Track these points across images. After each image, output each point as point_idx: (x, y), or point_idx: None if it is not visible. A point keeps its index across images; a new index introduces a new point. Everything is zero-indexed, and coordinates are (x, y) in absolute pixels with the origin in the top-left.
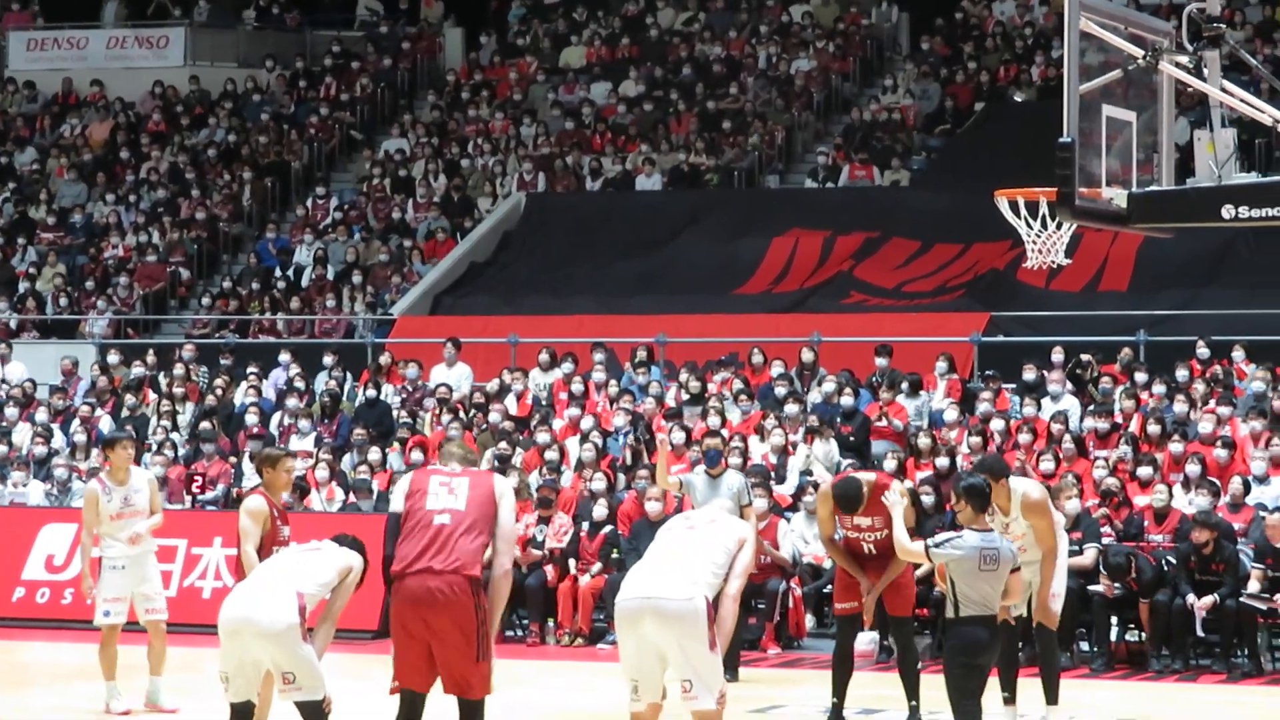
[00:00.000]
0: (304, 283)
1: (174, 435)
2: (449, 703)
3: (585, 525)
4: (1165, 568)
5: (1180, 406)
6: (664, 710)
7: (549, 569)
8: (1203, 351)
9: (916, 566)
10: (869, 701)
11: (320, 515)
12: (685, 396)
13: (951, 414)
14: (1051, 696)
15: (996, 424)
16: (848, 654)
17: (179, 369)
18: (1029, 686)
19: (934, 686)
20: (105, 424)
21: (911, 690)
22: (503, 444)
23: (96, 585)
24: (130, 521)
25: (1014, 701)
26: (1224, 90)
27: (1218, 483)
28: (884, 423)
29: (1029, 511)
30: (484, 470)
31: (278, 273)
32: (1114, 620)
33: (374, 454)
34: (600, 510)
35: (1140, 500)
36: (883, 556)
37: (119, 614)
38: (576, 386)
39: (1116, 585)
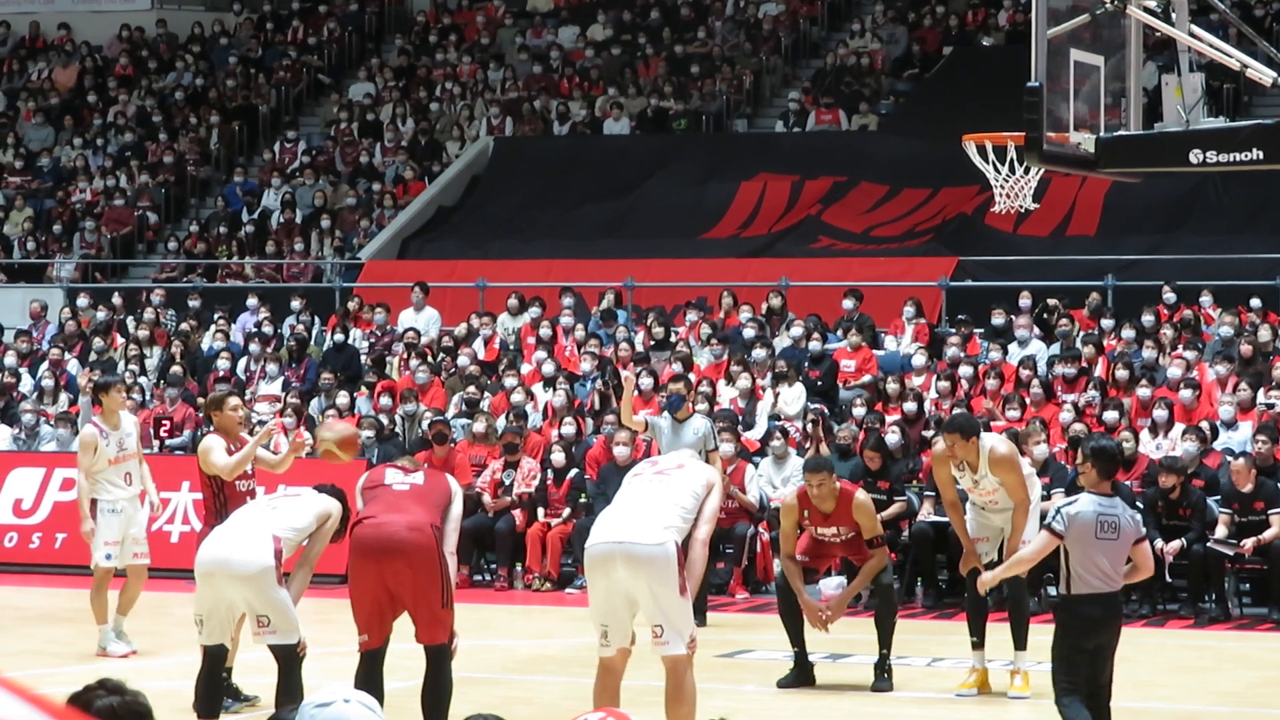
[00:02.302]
0: (272, 227)
1: (141, 379)
2: (415, 652)
3: (551, 472)
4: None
5: (1148, 352)
6: (633, 655)
7: (517, 514)
8: (1169, 296)
9: (887, 506)
10: (836, 646)
11: None
12: (652, 342)
13: (919, 359)
14: (1020, 642)
15: (964, 369)
16: (791, 602)
17: (147, 313)
18: (998, 631)
19: (907, 631)
20: (73, 367)
21: (884, 638)
22: (470, 388)
23: (95, 528)
24: (124, 465)
25: (983, 646)
26: (1192, 35)
27: (1205, 428)
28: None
29: (997, 467)
30: (437, 471)
31: (245, 217)
32: None
33: (342, 398)
34: (559, 456)
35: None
36: (850, 547)
37: (118, 557)
38: (544, 331)
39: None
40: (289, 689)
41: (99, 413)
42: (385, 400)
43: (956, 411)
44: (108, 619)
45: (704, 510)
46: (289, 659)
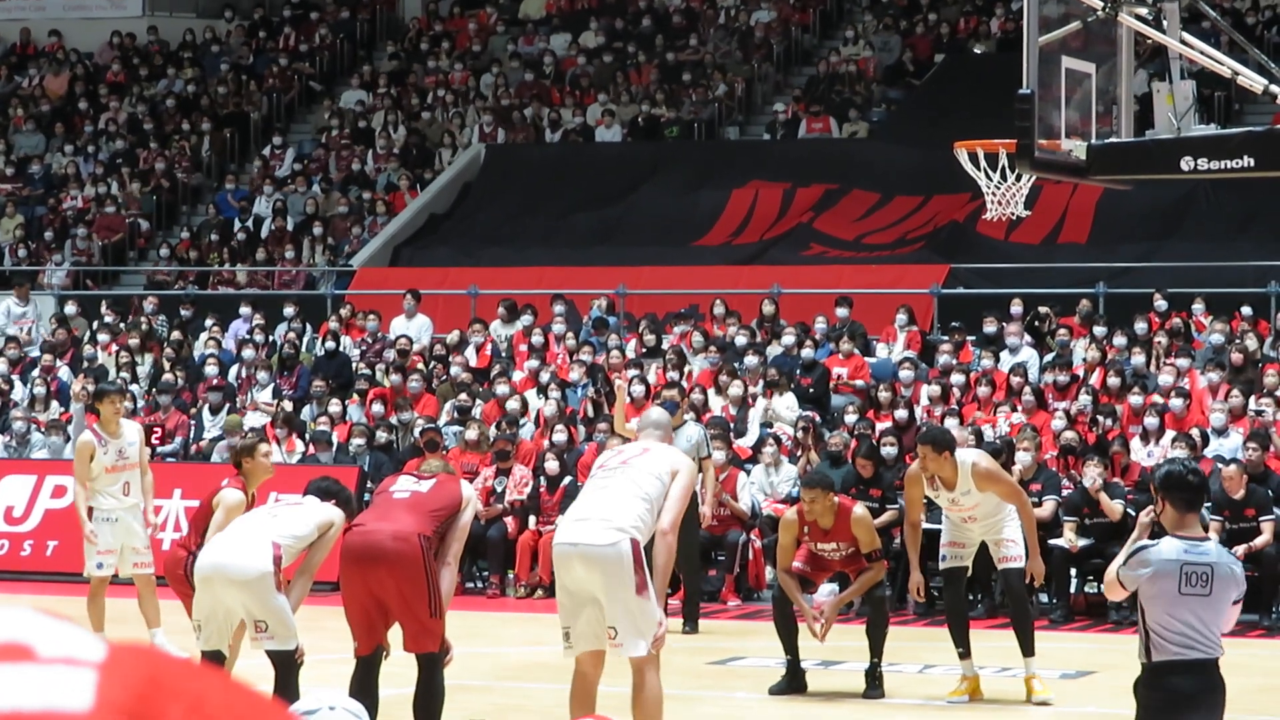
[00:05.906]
0: (263, 234)
1: (133, 387)
2: (409, 659)
3: (543, 480)
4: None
5: (1139, 359)
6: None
7: (509, 521)
8: (1160, 304)
9: (880, 514)
10: (828, 653)
11: (279, 467)
12: (644, 349)
13: (907, 367)
14: (1028, 649)
15: (956, 377)
16: (787, 611)
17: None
18: (1005, 638)
19: (898, 638)
20: (65, 374)
21: (875, 648)
22: (462, 395)
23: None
24: (123, 474)
25: (969, 655)
26: (1183, 42)
27: (1195, 436)
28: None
29: (984, 481)
30: (454, 477)
31: (237, 224)
32: (1073, 572)
33: (334, 406)
34: (552, 464)
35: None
36: (848, 562)
37: (110, 566)
38: (536, 338)
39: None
40: (285, 696)
41: (95, 421)
42: (377, 408)
43: (933, 425)
44: (103, 627)
45: (668, 497)
46: (286, 665)
